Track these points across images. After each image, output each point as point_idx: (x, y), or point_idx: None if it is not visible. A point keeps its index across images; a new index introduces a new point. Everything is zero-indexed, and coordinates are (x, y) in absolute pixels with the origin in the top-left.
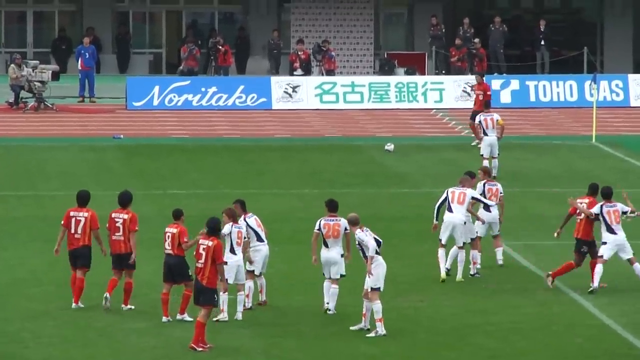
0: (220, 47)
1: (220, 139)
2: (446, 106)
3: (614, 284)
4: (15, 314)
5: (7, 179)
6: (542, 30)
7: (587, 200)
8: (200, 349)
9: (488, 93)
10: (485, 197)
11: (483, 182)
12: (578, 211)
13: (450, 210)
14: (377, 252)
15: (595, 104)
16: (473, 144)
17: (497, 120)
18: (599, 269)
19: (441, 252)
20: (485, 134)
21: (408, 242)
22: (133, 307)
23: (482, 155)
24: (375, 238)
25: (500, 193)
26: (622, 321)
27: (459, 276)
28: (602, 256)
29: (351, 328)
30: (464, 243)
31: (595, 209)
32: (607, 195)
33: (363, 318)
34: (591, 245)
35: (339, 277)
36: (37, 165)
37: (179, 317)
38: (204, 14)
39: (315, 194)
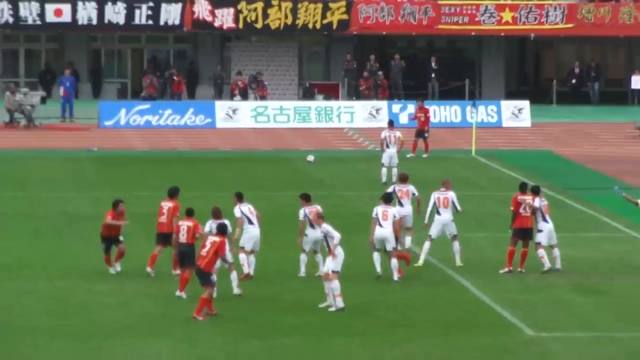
0: (174, 77)
1: (175, 151)
2: (356, 126)
3: (493, 268)
4: (10, 291)
5: (2, 183)
6: (432, 65)
7: (530, 197)
8: (201, 319)
9: (428, 115)
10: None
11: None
12: (523, 206)
13: (439, 213)
14: None
15: (475, 124)
16: (408, 155)
17: (398, 136)
18: (541, 253)
19: (427, 244)
20: (387, 147)
21: None
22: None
23: (382, 163)
24: None
25: (413, 193)
26: (495, 298)
27: (458, 262)
28: (540, 243)
29: (319, 305)
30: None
31: (536, 203)
32: (539, 192)
33: (327, 296)
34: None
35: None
36: (27, 171)
37: (177, 293)
38: (162, 51)
39: (252, 195)
